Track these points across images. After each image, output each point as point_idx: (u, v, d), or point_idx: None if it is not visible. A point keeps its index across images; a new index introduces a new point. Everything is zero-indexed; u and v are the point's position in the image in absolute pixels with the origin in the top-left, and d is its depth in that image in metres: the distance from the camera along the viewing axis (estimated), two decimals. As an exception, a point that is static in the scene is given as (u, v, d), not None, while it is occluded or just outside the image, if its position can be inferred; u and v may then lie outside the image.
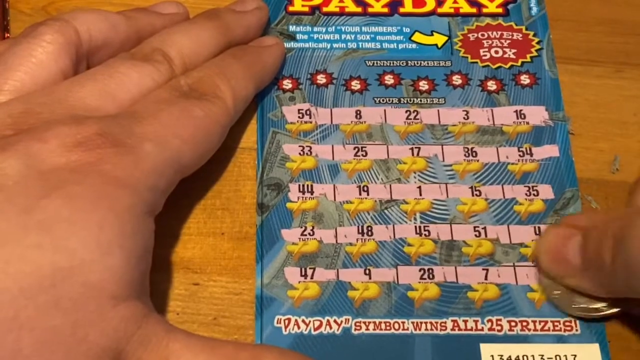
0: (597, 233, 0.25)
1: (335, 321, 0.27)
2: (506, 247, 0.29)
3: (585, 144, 0.32)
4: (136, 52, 0.28)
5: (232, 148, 0.31)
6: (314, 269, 0.28)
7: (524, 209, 0.30)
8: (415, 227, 0.29)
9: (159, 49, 0.28)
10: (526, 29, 0.34)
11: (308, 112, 0.31)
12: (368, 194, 0.30)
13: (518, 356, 0.27)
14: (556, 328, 0.27)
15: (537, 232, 0.29)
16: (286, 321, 0.27)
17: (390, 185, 0.30)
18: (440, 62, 0.33)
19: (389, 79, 0.32)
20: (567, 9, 0.35)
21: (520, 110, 0.32)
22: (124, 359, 0.21)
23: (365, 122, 0.31)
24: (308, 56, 0.33)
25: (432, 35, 0.33)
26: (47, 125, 0.23)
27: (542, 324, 0.27)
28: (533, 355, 0.27)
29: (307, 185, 0.30)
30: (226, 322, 0.27)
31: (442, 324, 0.27)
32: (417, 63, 0.33)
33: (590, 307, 0.27)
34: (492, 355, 0.26)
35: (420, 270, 0.28)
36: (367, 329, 0.27)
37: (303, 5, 0.34)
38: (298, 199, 0.29)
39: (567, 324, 0.27)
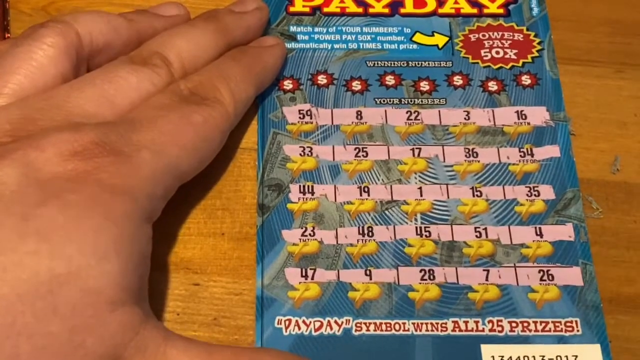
0: None
1: (335, 322, 0.27)
2: (507, 248, 0.29)
3: (586, 144, 0.32)
4: (135, 55, 0.27)
5: (233, 148, 0.31)
6: (315, 270, 0.28)
7: (525, 210, 0.29)
8: (416, 227, 0.29)
9: (157, 53, 0.27)
10: (527, 30, 0.34)
11: (309, 113, 0.31)
12: (369, 195, 0.30)
13: (519, 357, 0.26)
14: (557, 329, 0.27)
15: (538, 233, 0.29)
16: (287, 322, 0.27)
17: (391, 186, 0.30)
18: (441, 62, 0.33)
19: (389, 80, 0.32)
20: (568, 9, 0.35)
21: (521, 111, 0.32)
22: None
23: (366, 122, 0.31)
24: (309, 57, 0.33)
25: (433, 35, 0.33)
26: (45, 133, 0.23)
27: (543, 324, 0.27)
28: (534, 356, 0.26)
29: (308, 186, 0.30)
30: (226, 323, 0.27)
31: (443, 325, 0.27)
32: (418, 64, 0.33)
33: None
34: (493, 356, 0.26)
35: (420, 271, 0.28)
36: (368, 330, 0.27)
37: (304, 6, 0.34)
38: (299, 199, 0.29)
39: (568, 324, 0.27)
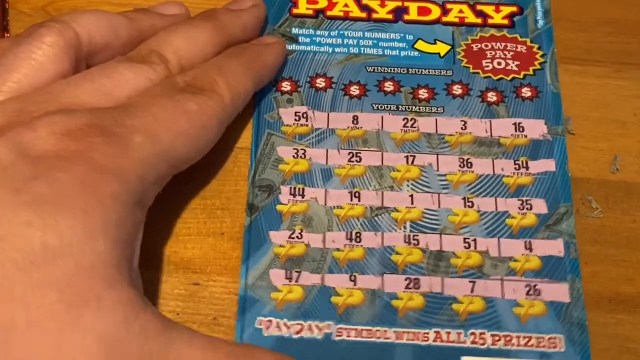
0: None
1: (317, 326, 0.27)
2: (495, 261, 0.29)
3: (585, 144, 0.32)
4: (133, 55, 0.28)
5: (232, 148, 0.31)
6: (300, 273, 0.28)
7: (516, 223, 0.29)
8: (405, 235, 0.29)
9: (155, 51, 0.28)
10: (531, 42, 0.33)
11: (305, 115, 0.31)
12: (359, 200, 0.30)
13: (500, 371, 0.26)
14: (540, 344, 0.27)
15: (528, 247, 0.29)
16: (267, 323, 0.27)
17: (382, 193, 0.30)
18: (442, 71, 0.33)
19: (388, 86, 0.32)
20: (568, 9, 0.35)
21: (519, 123, 0.31)
22: (123, 348, 0.21)
23: (361, 127, 0.31)
24: (309, 59, 0.33)
25: (435, 43, 0.33)
26: (38, 116, 0.23)
27: (526, 339, 0.27)
28: (515, 371, 0.26)
29: (299, 189, 0.30)
30: (226, 322, 0.27)
31: (425, 335, 0.27)
32: (418, 71, 0.33)
33: None
34: (473, 369, 0.26)
35: (406, 279, 0.28)
36: (349, 336, 0.27)
37: (307, 8, 0.34)
38: (288, 201, 0.29)
39: (551, 340, 0.27)
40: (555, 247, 0.29)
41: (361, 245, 0.29)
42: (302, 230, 0.29)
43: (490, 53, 0.33)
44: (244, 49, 0.30)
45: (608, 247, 0.29)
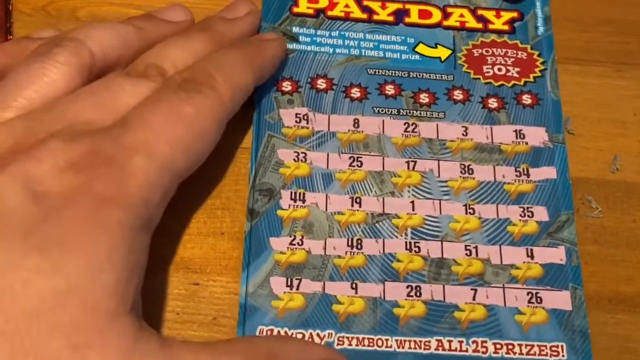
0: None
1: (318, 335, 0.26)
2: (497, 268, 0.28)
3: (585, 144, 0.32)
4: (131, 69, 0.27)
5: (233, 148, 0.31)
6: (300, 280, 0.27)
7: (518, 230, 0.29)
8: (406, 242, 0.29)
9: (152, 64, 0.27)
10: (531, 48, 0.33)
11: (305, 117, 0.31)
12: (360, 206, 0.29)
13: (501, 380, 0.26)
14: (542, 353, 0.27)
15: (529, 254, 0.29)
16: (268, 332, 0.26)
17: (383, 199, 0.29)
18: (443, 75, 0.32)
19: (389, 89, 0.32)
20: (568, 9, 0.35)
21: (520, 130, 0.31)
22: None
23: (362, 131, 0.31)
24: (310, 59, 0.32)
25: (436, 47, 0.33)
26: (42, 143, 0.23)
27: (528, 348, 0.27)
28: (516, 380, 0.26)
29: (300, 193, 0.29)
30: (226, 322, 0.27)
31: (426, 343, 0.27)
32: (419, 75, 0.32)
33: None
34: (475, 379, 0.26)
35: (407, 287, 0.28)
36: (350, 345, 0.26)
37: (308, 7, 0.33)
38: (289, 206, 0.29)
39: (553, 349, 0.27)
40: (557, 255, 0.29)
41: (362, 253, 0.28)
42: (302, 237, 0.28)
43: (491, 59, 0.33)
44: (244, 43, 0.30)
45: (608, 247, 0.30)
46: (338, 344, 0.26)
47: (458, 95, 0.32)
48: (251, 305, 0.27)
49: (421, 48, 0.33)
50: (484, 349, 0.27)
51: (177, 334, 0.27)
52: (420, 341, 0.27)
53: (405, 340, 0.27)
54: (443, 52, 0.33)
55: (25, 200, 0.22)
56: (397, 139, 0.31)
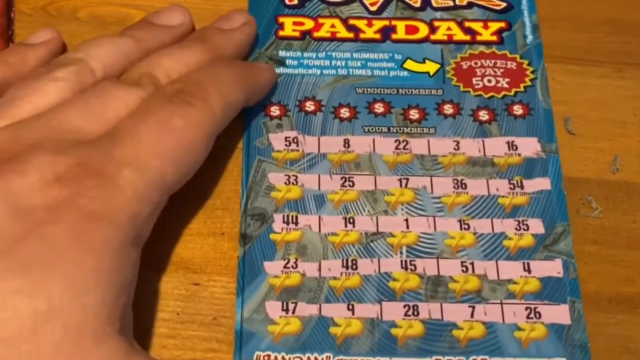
0: None
1: (315, 358, 0.26)
2: (494, 284, 0.28)
3: (585, 144, 0.32)
4: (125, 78, 0.27)
5: (233, 148, 0.31)
6: (296, 304, 0.27)
7: (514, 244, 0.29)
8: (401, 261, 0.28)
9: (146, 73, 0.27)
10: (521, 58, 0.33)
11: (295, 140, 0.31)
12: (354, 226, 0.29)
13: (503, 397, 0.26)
14: (543, 369, 0.27)
15: (526, 268, 0.28)
16: (265, 357, 0.26)
17: (377, 217, 0.29)
18: (432, 90, 0.32)
19: (378, 107, 0.32)
20: (568, 9, 0.35)
21: (512, 142, 0.31)
22: None
23: (353, 151, 0.31)
24: (297, 82, 0.32)
25: (424, 62, 0.33)
26: (28, 153, 0.23)
27: (529, 364, 0.27)
28: (518, 397, 0.26)
29: (292, 216, 0.29)
30: (226, 322, 0.27)
31: (426, 363, 0.26)
32: (408, 91, 0.32)
33: None
34: (476, 397, 0.26)
35: (405, 306, 0.27)
36: (349, 368, 0.26)
37: (294, 30, 0.33)
38: (282, 230, 0.29)
39: (554, 364, 0.27)
40: (554, 268, 0.28)
41: (357, 273, 0.28)
42: (297, 260, 0.28)
43: (480, 71, 0.33)
44: (237, 62, 0.30)
45: (608, 247, 0.29)
46: (336, 368, 0.26)
47: (448, 109, 0.32)
48: (247, 331, 0.27)
49: (409, 64, 0.33)
50: (484, 367, 0.27)
51: (177, 334, 0.27)
52: (420, 361, 0.26)
53: (404, 361, 0.26)
54: (431, 67, 0.33)
55: (7, 217, 0.21)
56: (389, 157, 0.31)
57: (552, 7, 0.35)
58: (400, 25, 0.34)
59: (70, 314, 0.20)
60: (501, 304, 0.28)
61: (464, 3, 0.34)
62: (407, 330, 0.27)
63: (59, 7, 0.34)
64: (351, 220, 0.29)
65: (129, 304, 0.23)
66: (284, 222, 0.29)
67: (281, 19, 0.34)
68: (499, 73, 0.33)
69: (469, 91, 0.32)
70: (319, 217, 0.29)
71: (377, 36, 0.34)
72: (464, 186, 0.30)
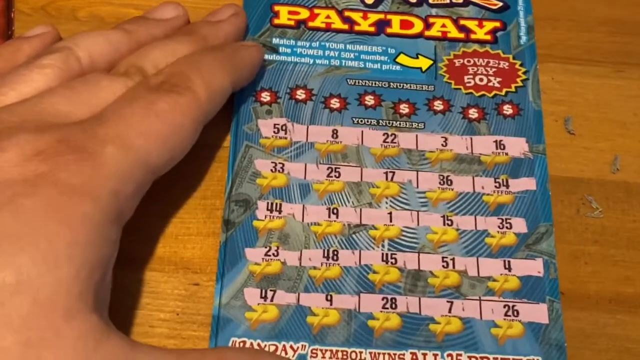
0: None
1: (291, 347, 0.26)
2: (473, 280, 0.28)
3: (585, 144, 0.32)
4: (113, 72, 0.27)
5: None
6: (275, 292, 0.27)
7: (496, 242, 0.29)
8: (382, 254, 0.28)
9: (134, 65, 0.27)
10: (513, 58, 0.33)
11: (284, 128, 0.31)
12: (337, 217, 0.29)
13: (477, 393, 0.26)
14: (518, 367, 0.27)
15: (507, 267, 0.28)
16: (241, 344, 0.26)
17: (361, 210, 0.29)
18: (423, 86, 0.32)
19: (369, 100, 0.32)
20: (568, 9, 0.35)
21: (500, 141, 0.31)
22: None
23: (341, 142, 0.31)
24: (289, 70, 0.32)
25: (417, 58, 0.33)
26: (10, 132, 0.23)
27: (504, 361, 0.27)
28: (492, 394, 0.26)
29: (276, 204, 0.29)
30: None
31: (401, 356, 0.27)
32: (400, 85, 0.32)
33: None
34: (449, 392, 0.26)
35: (383, 299, 0.28)
36: (324, 357, 0.26)
37: (289, 19, 0.33)
38: (265, 217, 0.29)
39: (529, 363, 0.27)
40: (534, 267, 0.28)
41: (338, 264, 0.28)
42: (278, 248, 0.28)
43: (473, 69, 0.33)
44: (222, 47, 0.30)
45: (608, 247, 0.30)
46: (311, 356, 0.26)
47: (438, 105, 0.32)
48: (224, 317, 0.27)
49: (402, 58, 0.33)
50: (459, 362, 0.27)
51: (177, 334, 0.27)
52: (395, 354, 0.27)
53: (379, 353, 0.27)
54: (424, 63, 0.33)
55: None
56: (376, 150, 0.31)
57: (552, 6, 0.35)
58: (396, 20, 0.34)
59: (40, 287, 0.20)
60: (480, 300, 0.28)
61: (460, 1, 0.34)
62: (384, 322, 0.27)
63: (58, 7, 0.34)
64: (335, 211, 0.29)
65: (106, 281, 0.23)
66: (267, 209, 0.29)
67: (277, 8, 0.34)
68: (491, 72, 0.33)
69: (460, 89, 0.32)
70: (303, 206, 0.29)
71: (372, 29, 0.34)
72: (449, 182, 0.30)
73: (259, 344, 0.26)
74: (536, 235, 0.29)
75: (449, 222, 0.29)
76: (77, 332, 0.21)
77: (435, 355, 0.27)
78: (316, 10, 0.34)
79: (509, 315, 0.28)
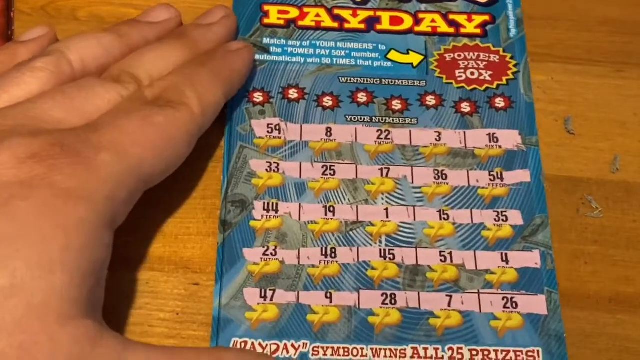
0: None
1: (292, 345, 0.26)
2: (471, 274, 0.28)
3: (585, 144, 0.32)
4: (105, 76, 0.27)
5: None
6: (274, 291, 0.27)
7: (492, 235, 0.29)
8: (380, 250, 0.28)
9: (126, 72, 0.27)
10: (504, 51, 0.33)
11: (277, 127, 0.31)
12: (334, 215, 0.29)
13: (478, 386, 0.26)
14: (518, 358, 0.27)
15: (504, 259, 0.29)
16: (242, 344, 0.26)
17: (357, 206, 0.29)
18: (415, 81, 0.32)
19: (361, 97, 0.32)
20: (568, 9, 0.35)
21: (493, 134, 0.31)
22: None
23: (335, 140, 0.31)
24: (281, 70, 0.32)
25: (408, 53, 0.33)
26: (3, 136, 0.23)
27: (504, 353, 0.27)
28: (493, 385, 0.26)
29: (272, 204, 0.29)
30: None
31: (402, 351, 0.27)
32: (392, 82, 0.32)
33: None
34: (451, 385, 0.26)
35: (382, 295, 0.28)
36: (325, 355, 0.26)
37: (279, 18, 0.33)
38: (262, 217, 0.29)
39: (529, 354, 0.27)
40: (531, 259, 0.29)
41: (336, 261, 0.28)
42: (276, 247, 0.28)
43: (463, 63, 0.33)
44: (212, 57, 0.30)
45: (608, 247, 0.30)
46: (313, 354, 0.26)
47: (431, 100, 0.32)
48: (225, 317, 0.27)
49: (393, 55, 0.33)
50: (459, 356, 0.27)
51: (177, 333, 0.27)
52: (396, 349, 0.27)
53: (380, 349, 0.27)
54: (415, 58, 0.33)
55: None
56: (370, 147, 0.31)
57: (552, 6, 0.35)
58: (385, 16, 0.34)
59: (34, 291, 0.20)
60: (478, 293, 0.28)
61: (449, -5, 0.35)
62: (384, 318, 0.27)
63: (58, 7, 0.33)
64: (331, 209, 0.29)
65: (100, 284, 0.23)
66: (264, 209, 0.29)
67: (266, 7, 0.34)
68: (481, 66, 0.33)
69: (451, 83, 0.32)
70: (300, 205, 0.29)
71: (362, 26, 0.34)
72: (444, 177, 0.30)
73: (260, 344, 0.26)
74: (532, 227, 0.29)
75: (445, 217, 0.29)
76: (71, 336, 0.21)
77: (436, 350, 0.27)
78: (306, 9, 0.34)
79: (508, 308, 0.28)
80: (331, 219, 0.29)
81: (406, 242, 0.29)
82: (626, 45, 0.34)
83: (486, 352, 0.27)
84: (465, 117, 0.32)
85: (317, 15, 0.34)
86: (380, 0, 0.34)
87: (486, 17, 0.34)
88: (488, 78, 0.33)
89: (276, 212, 0.29)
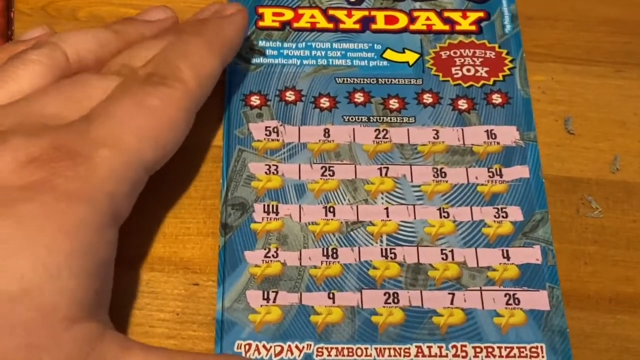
0: None
1: (296, 347, 0.26)
2: (473, 271, 0.28)
3: (585, 144, 0.32)
4: (104, 71, 0.27)
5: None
6: (277, 293, 0.27)
7: (493, 231, 0.29)
8: (381, 249, 0.28)
9: (125, 65, 0.27)
10: (499, 47, 0.33)
11: (275, 130, 0.31)
12: (334, 215, 0.29)
13: (483, 382, 0.26)
14: (522, 354, 0.27)
15: (505, 256, 0.29)
16: (247, 346, 0.26)
17: (357, 206, 0.29)
18: (411, 80, 0.32)
19: (358, 97, 0.32)
20: (568, 9, 0.35)
21: (491, 130, 0.31)
22: None
23: (333, 140, 0.31)
24: (277, 72, 0.32)
25: (403, 52, 0.33)
26: (3, 137, 0.23)
27: (508, 350, 0.27)
28: (498, 382, 0.26)
29: (272, 206, 0.29)
30: None
31: (406, 350, 0.27)
32: (388, 81, 0.32)
33: None
34: (456, 383, 0.26)
35: (385, 294, 0.28)
36: (329, 355, 0.26)
37: (273, 21, 0.33)
38: (262, 219, 0.29)
39: (533, 350, 0.27)
40: (532, 255, 0.29)
41: (338, 262, 0.28)
42: (277, 249, 0.28)
43: (459, 60, 0.33)
44: (205, 26, 0.29)
45: (608, 247, 0.30)
46: (317, 355, 0.26)
47: (427, 98, 0.32)
48: (228, 320, 0.27)
49: (389, 54, 0.33)
50: (463, 353, 0.27)
51: (177, 334, 0.27)
52: (400, 348, 0.27)
53: (384, 348, 0.27)
54: (411, 57, 0.33)
55: None
56: (369, 146, 0.31)
57: (552, 6, 0.35)
58: (380, 16, 0.34)
59: (41, 296, 0.20)
60: (480, 290, 0.28)
61: (443, -7, 0.35)
62: (387, 317, 0.27)
63: (58, 7, 0.33)
64: (331, 210, 0.29)
65: (106, 283, 0.23)
66: (264, 211, 0.29)
67: (261, 10, 0.34)
68: (477, 62, 0.33)
69: (448, 80, 0.32)
70: (300, 206, 0.29)
71: (357, 26, 0.34)
72: (443, 175, 0.30)
73: (264, 346, 0.26)
74: (532, 222, 0.29)
75: (445, 215, 0.29)
76: (75, 338, 0.21)
77: (440, 348, 0.27)
78: (300, 11, 0.34)
79: (511, 304, 0.28)
80: (331, 219, 0.29)
81: (407, 240, 0.29)
82: (626, 45, 0.34)
83: (490, 349, 0.27)
84: (462, 114, 0.32)
85: (312, 16, 0.34)
86: (375, 0, 0.34)
87: (481, 14, 0.34)
88: (484, 74, 0.33)
89: (276, 214, 0.29)
